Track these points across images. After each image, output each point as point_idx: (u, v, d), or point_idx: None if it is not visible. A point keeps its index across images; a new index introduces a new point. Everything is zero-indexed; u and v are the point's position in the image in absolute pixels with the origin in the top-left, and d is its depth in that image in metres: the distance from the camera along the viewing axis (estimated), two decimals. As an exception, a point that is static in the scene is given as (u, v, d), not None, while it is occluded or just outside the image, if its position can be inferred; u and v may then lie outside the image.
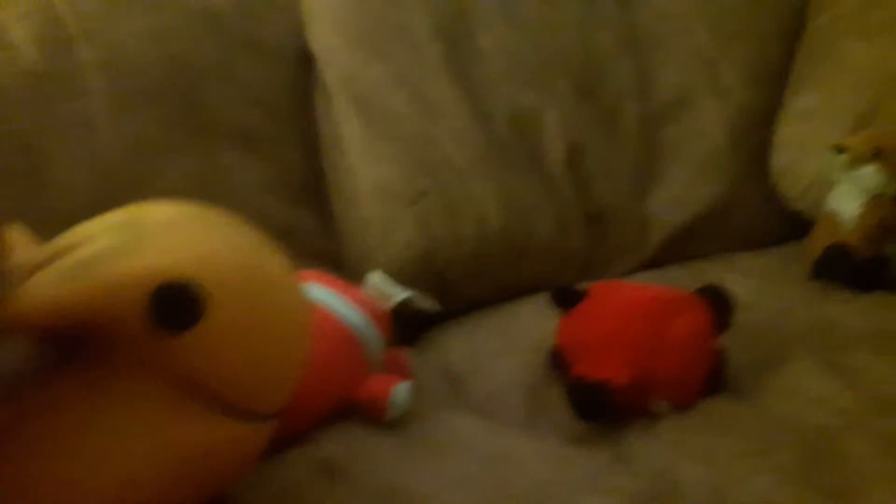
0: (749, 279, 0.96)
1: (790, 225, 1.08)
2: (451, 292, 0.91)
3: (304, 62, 0.96)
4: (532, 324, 0.87)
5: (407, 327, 0.66)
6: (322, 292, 0.62)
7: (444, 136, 0.91)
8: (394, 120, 0.91)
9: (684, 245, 1.05)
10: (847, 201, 0.94)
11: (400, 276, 0.87)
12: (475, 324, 0.90)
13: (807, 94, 1.09)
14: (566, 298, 0.74)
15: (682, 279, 0.99)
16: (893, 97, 1.00)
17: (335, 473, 0.54)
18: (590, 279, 0.99)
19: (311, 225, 0.91)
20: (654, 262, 1.04)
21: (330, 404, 0.61)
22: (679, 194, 1.05)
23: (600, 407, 0.61)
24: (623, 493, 0.49)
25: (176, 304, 0.40)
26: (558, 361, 0.75)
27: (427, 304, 0.71)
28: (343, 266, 0.92)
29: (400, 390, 0.61)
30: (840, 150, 0.91)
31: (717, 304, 0.68)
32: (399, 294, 0.64)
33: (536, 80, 1.00)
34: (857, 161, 0.91)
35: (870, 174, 0.91)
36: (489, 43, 0.99)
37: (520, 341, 0.84)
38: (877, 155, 0.91)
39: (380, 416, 0.61)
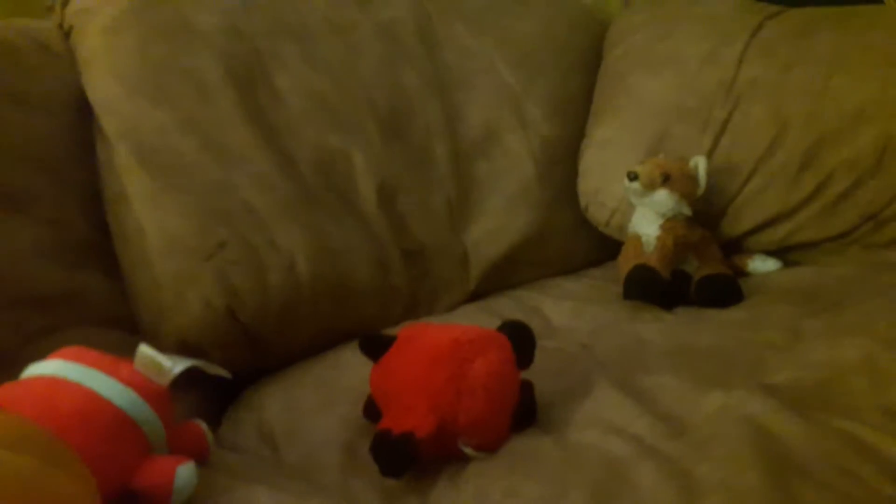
0: (566, 302, 0.99)
1: (604, 247, 1.12)
2: (263, 348, 0.85)
3: (83, 112, 0.88)
4: (352, 372, 0.83)
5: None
6: (84, 373, 0.55)
7: (242, 183, 0.86)
8: (183, 169, 0.84)
9: (505, 274, 1.06)
10: (646, 224, 0.99)
11: (203, 337, 0.81)
12: (293, 378, 0.85)
13: (604, 124, 1.15)
14: (373, 346, 0.71)
15: (505, 307, 1.00)
16: (679, 124, 1.07)
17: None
18: (416, 317, 0.98)
19: (98, 288, 0.82)
20: (478, 294, 1.04)
21: (105, 495, 0.53)
22: (496, 226, 1.06)
23: (404, 461, 0.58)
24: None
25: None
26: (371, 413, 0.72)
27: (214, 370, 0.65)
28: (139, 331, 0.84)
29: (183, 472, 0.55)
30: (632, 177, 0.96)
31: (520, 340, 0.67)
32: (176, 366, 0.58)
33: (341, 122, 0.97)
34: (649, 187, 0.96)
35: (662, 198, 0.96)
36: (288, 84, 0.95)
37: (339, 394, 0.80)
38: (666, 180, 0.96)
39: (163, 502, 0.54)
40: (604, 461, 0.56)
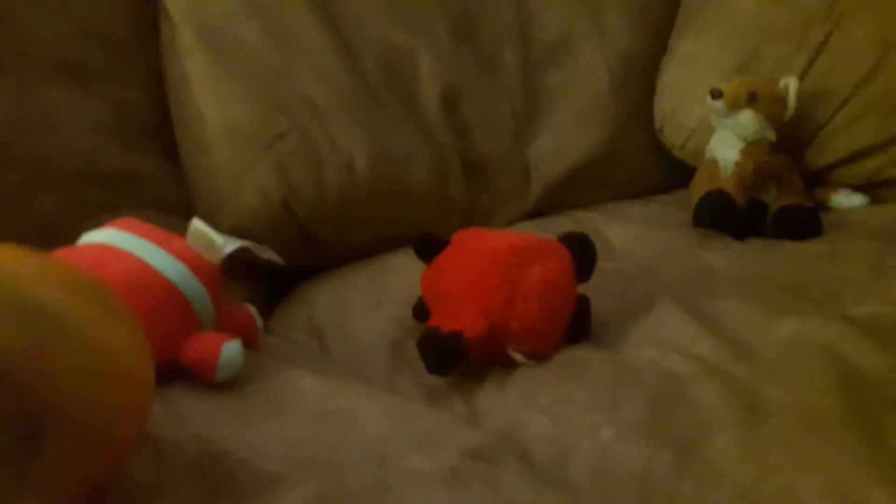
0: (629, 226, 0.94)
1: (677, 172, 1.06)
2: (317, 245, 0.84)
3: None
4: (404, 276, 0.81)
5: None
6: (136, 243, 0.54)
7: (304, 74, 0.83)
8: (246, 54, 0.82)
9: (567, 193, 1.01)
10: (725, 148, 0.92)
11: (257, 228, 0.80)
12: (345, 277, 0.84)
13: (689, 39, 1.07)
14: (427, 248, 0.69)
15: (563, 227, 0.95)
16: (772, 43, 0.99)
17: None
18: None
19: (155, 171, 0.82)
20: (537, 212, 1.00)
21: (154, 365, 0.53)
22: (562, 142, 1.01)
23: (451, 359, 0.57)
24: (459, 448, 0.44)
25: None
26: (421, 314, 0.70)
27: (267, 255, 0.64)
28: (194, 215, 0.83)
29: (230, 349, 0.54)
30: (716, 95, 0.89)
31: (580, 251, 0.64)
32: (228, 245, 0.57)
33: (409, 19, 0.93)
34: (734, 106, 0.89)
35: (747, 119, 0.90)
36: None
37: (389, 295, 0.79)
38: (752, 100, 0.89)
39: (208, 377, 0.54)
40: (662, 376, 0.53)
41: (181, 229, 0.59)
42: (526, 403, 0.53)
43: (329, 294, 0.82)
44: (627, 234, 0.93)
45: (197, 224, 0.56)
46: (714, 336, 0.57)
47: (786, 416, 0.43)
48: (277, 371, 0.58)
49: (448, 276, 0.65)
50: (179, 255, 0.56)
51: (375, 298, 0.78)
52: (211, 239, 0.56)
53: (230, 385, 0.55)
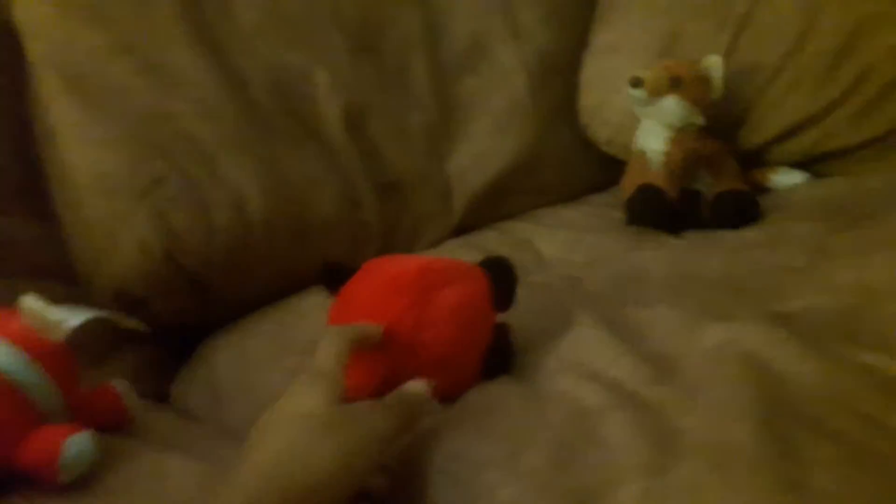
0: (560, 233, 0.88)
1: (609, 168, 1.00)
2: (212, 295, 0.76)
3: (10, 39, 0.79)
4: (313, 320, 0.74)
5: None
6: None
7: (183, 110, 0.76)
8: (116, 95, 0.75)
9: (494, 205, 0.95)
10: (652, 138, 0.86)
11: (141, 285, 0.73)
12: (248, 328, 0.77)
13: (608, 28, 1.01)
14: (333, 277, 0.62)
15: (492, 241, 0.89)
16: (694, 22, 0.93)
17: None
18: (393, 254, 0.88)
19: (27, 235, 0.74)
20: (464, 227, 0.93)
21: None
22: (482, 151, 0.95)
23: None
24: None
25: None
26: None
27: (127, 323, 0.56)
28: (74, 280, 0.76)
29: (74, 444, 0.46)
30: (635, 83, 0.83)
31: (498, 277, 0.57)
32: (71, 319, 0.49)
33: (301, 37, 0.86)
34: (656, 93, 0.83)
35: (671, 106, 0.83)
36: (240, -4, 0.84)
37: (296, 342, 0.71)
38: (675, 85, 0.83)
39: (51, 479, 0.46)
40: (572, 412, 0.46)
41: (63, 298, 0.52)
42: (420, 462, 0.45)
43: (230, 349, 0.74)
44: (558, 241, 0.86)
45: (26, 300, 0.49)
46: (634, 354, 0.51)
47: (697, 456, 0.36)
48: (142, 457, 0.50)
49: (352, 308, 0.58)
50: (14, 339, 0.48)
51: (278, 349, 0.70)
52: (44, 316, 0.48)
53: (80, 483, 0.47)
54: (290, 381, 0.63)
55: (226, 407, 0.69)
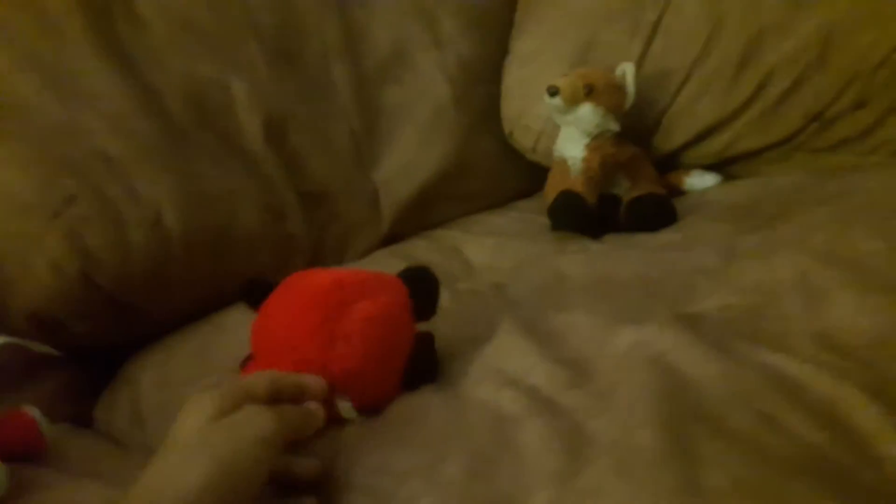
0: (487, 239, 0.89)
1: (534, 175, 1.02)
2: (133, 316, 0.74)
3: None
4: (237, 337, 0.73)
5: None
6: None
7: (94, 126, 0.74)
8: (23, 112, 0.72)
9: (422, 213, 0.96)
10: (571, 145, 0.88)
11: (57, 308, 0.70)
12: (172, 347, 0.75)
13: (527, 37, 1.03)
14: (255, 293, 0.61)
15: (421, 250, 0.90)
16: (608, 30, 0.96)
17: None
18: (323, 265, 0.88)
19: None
20: (393, 236, 0.93)
21: None
22: (408, 160, 0.95)
23: None
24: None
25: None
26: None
27: (38, 348, 0.54)
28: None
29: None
30: (552, 92, 0.85)
31: (418, 287, 0.57)
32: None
33: (217, 49, 0.85)
34: (572, 101, 0.85)
35: (587, 113, 0.86)
36: (151, 8, 0.82)
37: (219, 360, 0.70)
38: (590, 92, 0.85)
39: (-43, 512, 0.45)
40: (491, 421, 0.47)
41: None
42: (343, 480, 0.45)
43: (153, 369, 0.73)
44: (486, 248, 0.87)
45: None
46: (552, 360, 0.52)
47: (604, 460, 0.37)
48: (58, 488, 0.49)
49: (269, 324, 0.58)
50: None
51: (201, 368, 0.69)
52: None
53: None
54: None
55: (149, 429, 0.67)
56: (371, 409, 0.53)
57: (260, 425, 0.41)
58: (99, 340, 0.74)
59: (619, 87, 0.87)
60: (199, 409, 0.42)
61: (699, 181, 0.90)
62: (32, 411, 0.54)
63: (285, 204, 0.85)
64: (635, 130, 0.90)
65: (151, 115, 0.78)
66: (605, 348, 0.51)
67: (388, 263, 0.87)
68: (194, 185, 0.77)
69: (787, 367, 0.43)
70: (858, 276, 0.51)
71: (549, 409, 0.45)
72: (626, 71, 0.86)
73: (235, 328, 0.75)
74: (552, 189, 0.90)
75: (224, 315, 0.77)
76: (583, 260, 0.76)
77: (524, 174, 1.03)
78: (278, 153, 0.85)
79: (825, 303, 0.49)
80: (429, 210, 0.96)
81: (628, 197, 0.86)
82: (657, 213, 0.82)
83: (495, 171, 1.02)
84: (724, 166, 0.91)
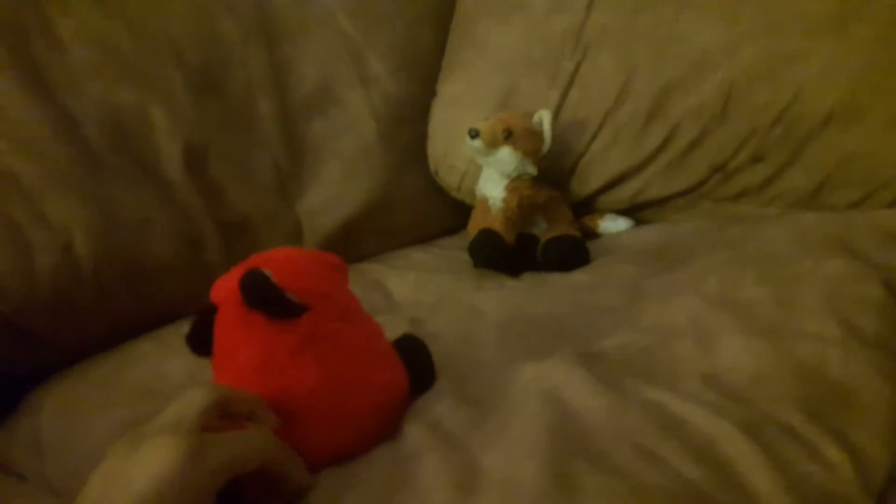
0: (409, 274, 0.90)
1: (458, 213, 1.04)
2: (37, 345, 0.72)
3: None
4: (145, 367, 0.72)
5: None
6: None
7: (3, 148, 0.72)
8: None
9: (346, 246, 0.96)
10: (491, 185, 0.91)
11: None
12: (78, 375, 0.73)
13: (452, 80, 1.06)
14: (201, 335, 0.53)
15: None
16: (528, 77, 1.00)
17: None
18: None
19: None
20: (315, 269, 0.93)
21: None
22: (333, 193, 0.96)
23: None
24: None
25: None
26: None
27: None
28: None
29: None
30: (473, 134, 0.87)
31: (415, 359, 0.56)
32: None
33: (137, 75, 0.84)
34: (492, 144, 0.88)
35: (505, 156, 0.89)
36: (71, 32, 0.81)
37: (125, 391, 0.69)
38: (508, 136, 0.88)
39: None
40: (397, 457, 0.47)
41: None
42: None
43: (57, 398, 0.70)
44: (408, 282, 0.89)
45: None
46: (455, 395, 0.53)
47: (490, 495, 0.38)
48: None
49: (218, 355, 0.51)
50: None
51: (107, 398, 0.67)
52: None
53: None
54: (116, 433, 0.62)
55: (48, 461, 0.64)
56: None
57: (159, 462, 0.37)
58: (4, 369, 0.71)
59: (537, 133, 0.90)
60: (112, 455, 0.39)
61: (612, 225, 0.94)
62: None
63: (203, 233, 0.84)
64: (553, 174, 0.94)
65: (66, 141, 0.76)
66: (507, 384, 0.52)
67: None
68: (107, 211, 0.76)
69: (670, 404, 0.45)
70: (744, 321, 0.55)
71: (448, 445, 0.46)
72: (544, 118, 0.90)
73: (145, 358, 0.74)
74: (474, 227, 0.93)
75: (136, 345, 0.76)
76: (498, 296, 0.78)
77: (449, 211, 1.05)
78: (198, 181, 0.85)
79: (714, 344, 0.52)
80: (353, 243, 0.96)
81: (545, 237, 0.88)
82: (571, 254, 0.85)
83: (420, 208, 1.04)
84: (635, 211, 0.95)
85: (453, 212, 1.06)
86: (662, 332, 0.58)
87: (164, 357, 0.72)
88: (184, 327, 0.53)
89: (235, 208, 0.88)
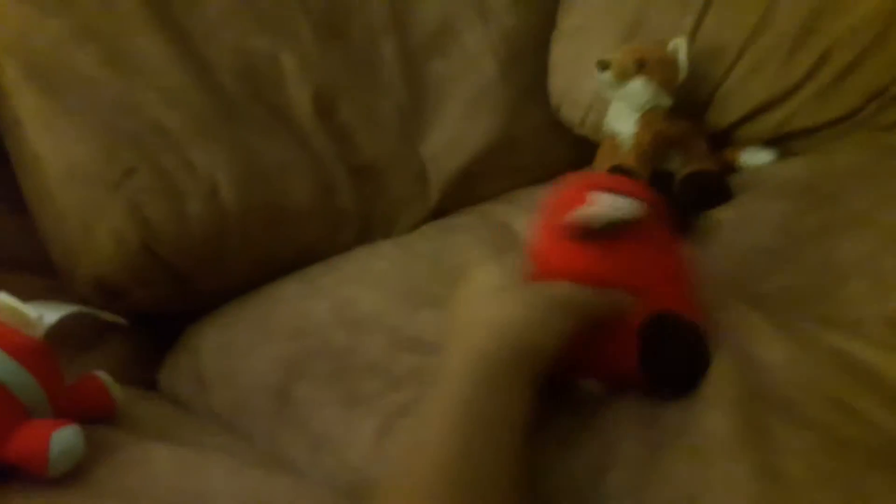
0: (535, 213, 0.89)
1: (582, 149, 1.01)
2: (191, 285, 0.76)
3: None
4: (291, 307, 0.74)
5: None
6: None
7: (151, 99, 0.75)
8: (82, 85, 0.73)
9: (470, 187, 0.95)
10: (621, 120, 0.88)
11: (120, 276, 0.72)
12: (231, 315, 0.77)
13: (574, 11, 1.02)
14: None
15: (471, 226, 0.90)
16: (658, 6, 0.94)
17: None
18: (371, 240, 0.89)
19: (5, 226, 0.73)
20: (441, 211, 0.94)
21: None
22: (455, 134, 0.95)
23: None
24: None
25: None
26: None
27: (105, 316, 0.56)
28: (53, 272, 0.75)
29: (61, 438, 0.46)
30: (603, 66, 0.84)
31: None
32: (48, 315, 0.49)
33: (267, 23, 0.85)
34: (623, 76, 0.84)
35: (638, 88, 0.85)
36: (204, -19, 0.82)
37: (277, 329, 0.72)
38: (641, 67, 0.84)
39: (41, 472, 0.46)
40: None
41: (45, 291, 0.51)
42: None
43: (214, 336, 0.74)
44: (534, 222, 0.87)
45: (2, 298, 0.48)
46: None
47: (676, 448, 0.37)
48: (130, 448, 0.50)
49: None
50: (-6, 339, 0.48)
51: (261, 335, 0.71)
52: (21, 313, 0.48)
53: (69, 476, 0.47)
54: (273, 369, 0.65)
55: (211, 394, 0.69)
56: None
57: (558, 290, 0.41)
58: (160, 308, 0.76)
59: (672, 62, 0.85)
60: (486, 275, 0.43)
61: (754, 157, 0.88)
62: (103, 376, 0.56)
63: (335, 177, 0.85)
64: (689, 105, 0.89)
65: (206, 89, 0.78)
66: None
67: (438, 238, 0.87)
68: (248, 158, 0.78)
69: (858, 352, 0.43)
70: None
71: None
72: (679, 46, 0.85)
73: (290, 298, 0.76)
74: (601, 164, 0.90)
75: (280, 285, 0.78)
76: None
77: (572, 147, 1.02)
78: (328, 127, 0.86)
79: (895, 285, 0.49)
80: (477, 184, 0.96)
81: (680, 174, 0.85)
82: (711, 190, 0.81)
83: (543, 145, 1.02)
84: (780, 142, 0.89)
85: (576, 148, 1.03)
86: (830, 273, 0.54)
87: (307, 296, 0.75)
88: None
89: (364, 153, 0.89)
